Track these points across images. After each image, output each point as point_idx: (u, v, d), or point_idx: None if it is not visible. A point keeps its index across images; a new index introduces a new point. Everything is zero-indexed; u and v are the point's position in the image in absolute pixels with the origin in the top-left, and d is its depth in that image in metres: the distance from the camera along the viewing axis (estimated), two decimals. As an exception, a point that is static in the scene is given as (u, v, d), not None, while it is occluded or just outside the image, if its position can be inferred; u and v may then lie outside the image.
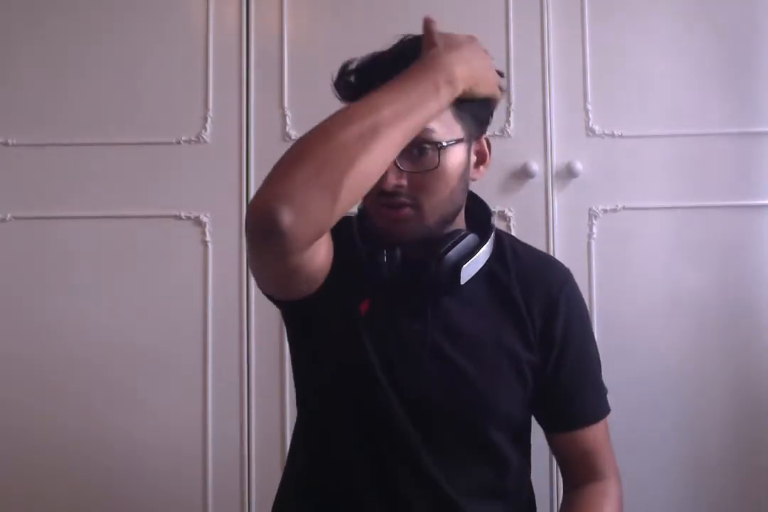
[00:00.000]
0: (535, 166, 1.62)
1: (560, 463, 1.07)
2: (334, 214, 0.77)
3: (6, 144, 1.66)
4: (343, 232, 0.91)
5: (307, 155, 0.76)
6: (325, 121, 0.79)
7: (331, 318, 0.96)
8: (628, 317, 1.61)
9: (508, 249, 1.01)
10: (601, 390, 1.04)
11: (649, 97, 1.64)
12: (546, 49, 1.65)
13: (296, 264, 0.82)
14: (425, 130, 0.86)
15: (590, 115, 1.65)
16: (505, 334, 0.97)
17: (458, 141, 0.90)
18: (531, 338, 0.98)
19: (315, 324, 0.98)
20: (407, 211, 0.89)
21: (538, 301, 0.99)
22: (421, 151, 0.88)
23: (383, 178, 0.84)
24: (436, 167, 0.88)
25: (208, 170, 1.65)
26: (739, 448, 1.60)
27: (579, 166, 1.62)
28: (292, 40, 1.67)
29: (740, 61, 1.65)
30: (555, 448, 1.05)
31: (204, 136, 1.66)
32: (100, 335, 1.63)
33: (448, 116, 0.89)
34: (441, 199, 0.90)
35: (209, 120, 1.66)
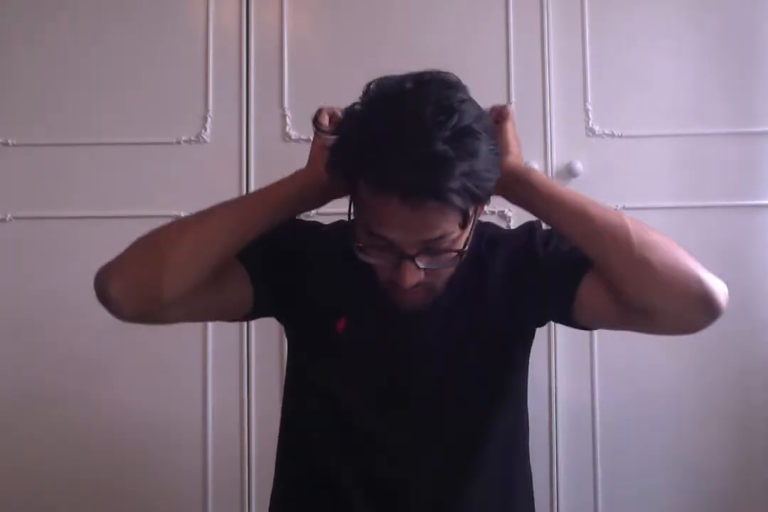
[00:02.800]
0: (536, 166, 1.61)
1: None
2: (163, 287, 0.82)
3: (6, 144, 1.66)
4: (323, 245, 0.94)
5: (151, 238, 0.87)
6: None
7: (311, 335, 0.97)
8: (628, 317, 1.61)
9: (485, 251, 0.96)
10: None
11: (649, 97, 1.64)
12: (546, 49, 1.65)
13: (163, 317, 0.87)
14: (447, 239, 0.80)
15: (590, 115, 1.65)
16: (479, 339, 0.94)
17: (471, 226, 0.84)
18: (505, 324, 0.94)
19: (300, 340, 1.00)
20: (422, 292, 0.86)
21: (506, 275, 0.94)
22: (440, 251, 0.82)
23: (400, 275, 0.81)
24: (458, 264, 0.85)
25: (208, 170, 1.65)
26: (740, 453, 1.60)
27: (579, 166, 1.62)
28: (292, 40, 1.66)
29: (740, 61, 1.65)
30: (590, 308, 0.91)
31: (204, 136, 1.66)
32: (99, 335, 1.62)
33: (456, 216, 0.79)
34: (451, 272, 0.88)
35: (209, 120, 1.66)
